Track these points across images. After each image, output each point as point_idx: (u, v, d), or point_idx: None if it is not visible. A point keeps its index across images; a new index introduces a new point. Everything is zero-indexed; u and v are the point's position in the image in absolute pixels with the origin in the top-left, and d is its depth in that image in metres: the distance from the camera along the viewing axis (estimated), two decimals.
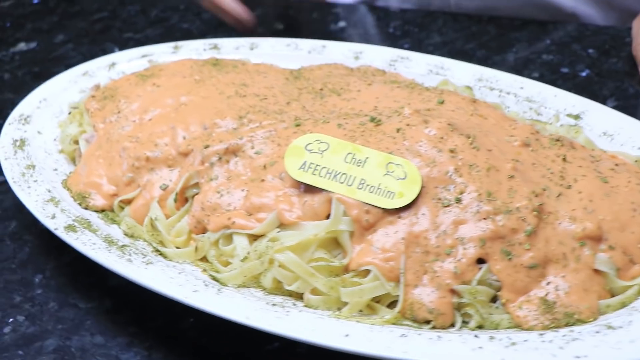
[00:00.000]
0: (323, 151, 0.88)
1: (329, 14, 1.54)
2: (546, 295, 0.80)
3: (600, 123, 1.01)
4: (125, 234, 0.93)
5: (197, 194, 0.94)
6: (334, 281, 0.82)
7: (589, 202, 0.85)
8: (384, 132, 0.90)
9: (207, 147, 0.94)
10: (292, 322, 0.78)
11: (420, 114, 0.93)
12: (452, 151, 0.87)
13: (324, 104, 1.01)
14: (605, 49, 1.36)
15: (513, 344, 0.75)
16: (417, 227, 0.83)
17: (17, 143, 1.06)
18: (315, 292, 0.83)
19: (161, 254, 0.90)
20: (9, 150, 1.04)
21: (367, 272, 0.82)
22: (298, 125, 0.95)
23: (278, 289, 0.85)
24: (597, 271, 0.81)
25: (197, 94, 1.03)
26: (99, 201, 0.98)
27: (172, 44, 1.26)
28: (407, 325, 0.80)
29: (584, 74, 1.30)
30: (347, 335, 0.76)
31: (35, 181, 0.99)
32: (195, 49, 1.25)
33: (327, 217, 0.86)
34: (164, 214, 0.93)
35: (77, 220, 0.93)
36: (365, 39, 1.45)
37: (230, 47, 1.24)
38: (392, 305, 0.82)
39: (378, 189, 0.84)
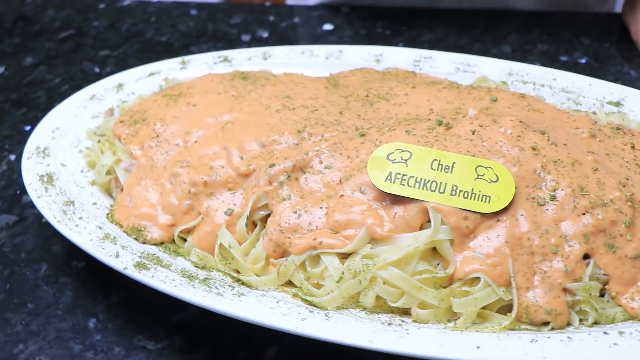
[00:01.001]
0: (407, 160, 0.85)
1: (312, 18, 1.51)
2: None
3: None
4: (196, 266, 0.88)
5: (266, 216, 0.90)
6: (443, 292, 0.80)
7: None
8: (458, 135, 0.89)
9: (272, 165, 0.89)
10: (418, 340, 0.75)
11: (486, 114, 0.92)
12: (534, 149, 0.86)
13: (377, 110, 0.98)
14: (596, 35, 1.39)
15: None
16: (518, 229, 0.81)
17: (45, 178, 0.98)
18: (423, 305, 0.81)
19: (243, 283, 0.85)
20: (39, 187, 0.96)
21: (475, 280, 0.80)
22: (363, 135, 0.91)
23: (380, 307, 0.82)
24: None
25: (241, 111, 0.98)
26: (156, 233, 0.91)
27: (178, 60, 1.19)
28: (525, 329, 0.78)
29: (583, 60, 1.33)
30: (478, 347, 0.74)
31: (80, 218, 0.92)
32: (204, 62, 1.19)
33: (421, 227, 0.83)
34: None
35: (143, 256, 0.87)
36: (356, 40, 1.42)
37: (242, 59, 1.19)
38: (500, 311, 0.81)
39: (472, 193, 0.82)
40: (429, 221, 0.83)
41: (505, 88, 1.07)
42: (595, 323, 0.79)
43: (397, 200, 0.84)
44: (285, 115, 0.96)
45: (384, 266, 0.81)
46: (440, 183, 0.83)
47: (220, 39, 1.44)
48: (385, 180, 0.84)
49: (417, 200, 0.83)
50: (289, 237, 0.86)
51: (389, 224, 0.84)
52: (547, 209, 0.82)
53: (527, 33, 1.41)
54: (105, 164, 0.98)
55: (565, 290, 0.79)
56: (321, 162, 0.90)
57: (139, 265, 0.85)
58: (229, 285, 0.83)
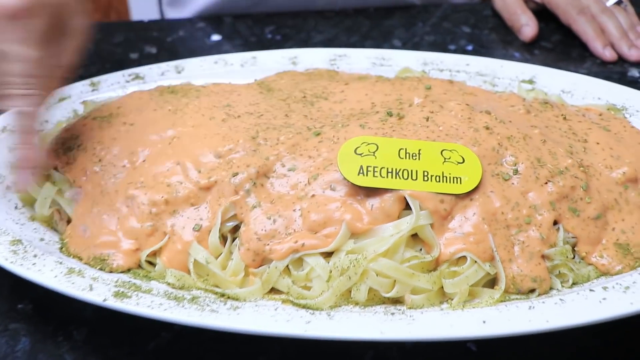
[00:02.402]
0: (374, 152, 0.86)
1: (196, 30, 1.48)
2: (617, 240, 0.86)
3: (554, 83, 1.10)
4: (174, 287, 0.84)
5: (234, 227, 0.87)
6: (434, 275, 0.82)
7: (611, 150, 0.93)
8: (413, 124, 0.91)
9: (235, 174, 0.87)
10: (427, 324, 0.76)
11: (430, 101, 0.95)
12: (487, 128, 0.90)
13: (320, 110, 0.99)
14: (472, 24, 1.47)
15: (627, 288, 0.80)
16: (491, 205, 0.85)
17: None
18: (415, 291, 0.82)
19: (229, 297, 0.83)
20: None
21: (460, 259, 0.83)
22: (318, 134, 0.92)
23: (372, 300, 0.83)
24: None
25: (185, 124, 0.95)
26: (121, 260, 0.86)
27: (86, 82, 1.13)
28: (515, 299, 0.82)
29: (470, 47, 1.40)
30: (484, 322, 0.77)
31: (35, 256, 0.85)
32: (116, 82, 1.14)
33: (398, 216, 0.85)
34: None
35: (120, 284, 0.82)
36: (249, 48, 1.42)
37: (154, 74, 1.15)
38: (485, 286, 0.84)
39: (444, 177, 0.85)
40: (406, 209, 0.85)
41: (425, 76, 1.11)
42: (574, 284, 0.84)
43: (371, 192, 0.85)
44: (232, 123, 0.94)
45: (375, 258, 0.81)
46: (411, 171, 0.85)
47: (108, 60, 1.38)
48: (359, 175, 0.85)
49: (391, 190, 0.84)
50: (268, 244, 0.84)
51: (367, 216, 0.85)
52: (512, 183, 0.86)
53: (411, 27, 1.47)
54: (48, 196, 0.91)
55: (543, 256, 0.84)
56: (284, 166, 0.89)
57: (118, 295, 0.80)
58: (220, 301, 0.80)
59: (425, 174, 0.85)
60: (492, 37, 1.43)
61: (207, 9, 1.52)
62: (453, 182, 0.85)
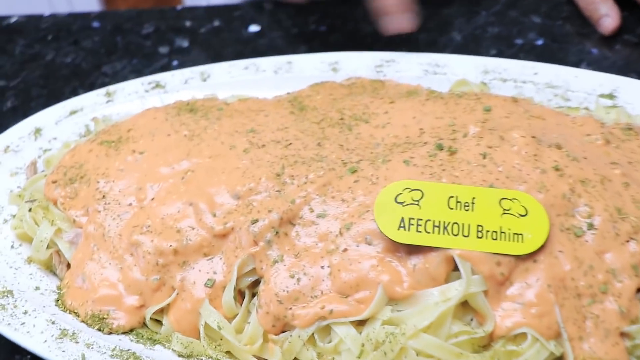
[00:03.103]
0: (418, 200, 0.72)
1: (233, 19, 1.35)
2: None
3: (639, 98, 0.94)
4: (181, 355, 0.72)
5: (253, 282, 0.75)
6: (486, 356, 0.68)
7: None
8: (467, 162, 0.76)
9: (255, 221, 0.75)
10: None
11: (489, 130, 0.80)
12: (557, 169, 0.75)
13: (359, 136, 0.85)
14: (544, 12, 1.30)
15: None
16: (559, 268, 0.70)
17: None
18: None
19: None
20: None
21: (519, 336, 0.69)
22: (354, 171, 0.78)
23: None
24: None
25: (201, 154, 0.82)
26: (123, 319, 0.75)
27: (102, 92, 1.01)
28: None
29: (540, 42, 1.23)
30: None
31: (25, 313, 0.74)
32: (134, 91, 1.01)
33: (445, 280, 0.71)
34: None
35: (116, 354, 0.70)
36: (289, 41, 1.27)
37: (177, 82, 1.02)
38: None
39: (501, 233, 0.70)
40: (454, 270, 0.71)
41: (486, 90, 0.96)
42: None
43: (414, 249, 0.71)
44: (255, 155, 0.81)
45: (415, 334, 0.68)
46: (463, 224, 0.71)
47: (135, 54, 1.26)
48: (399, 229, 0.71)
49: (438, 248, 0.70)
50: (290, 309, 0.71)
51: (408, 278, 0.71)
52: (586, 240, 0.71)
53: (472, 17, 1.30)
54: (45, 238, 0.80)
55: (622, 334, 0.69)
56: (312, 211, 0.76)
57: None
58: None
59: (480, 229, 0.71)
60: (566, 29, 1.25)
61: None
62: (513, 240, 0.70)
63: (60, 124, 0.96)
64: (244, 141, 0.83)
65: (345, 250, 0.73)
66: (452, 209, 0.72)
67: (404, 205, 0.72)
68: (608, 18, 1.21)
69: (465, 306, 0.71)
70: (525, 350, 0.68)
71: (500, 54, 1.20)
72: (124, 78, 1.19)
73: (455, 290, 0.69)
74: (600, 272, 0.70)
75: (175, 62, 1.23)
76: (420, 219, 0.71)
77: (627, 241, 0.71)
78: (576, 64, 1.15)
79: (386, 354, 0.68)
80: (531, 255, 0.70)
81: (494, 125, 0.82)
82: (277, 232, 0.74)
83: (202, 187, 0.79)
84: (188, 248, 0.75)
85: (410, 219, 0.71)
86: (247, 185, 0.77)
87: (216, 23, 1.33)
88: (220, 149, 0.82)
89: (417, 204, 0.72)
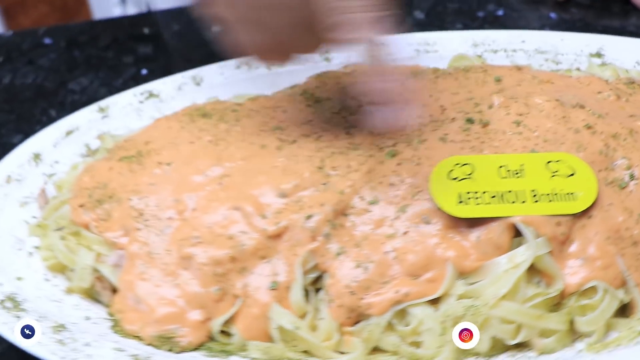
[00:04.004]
0: (470, 174, 0.74)
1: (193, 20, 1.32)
2: None
3: (625, 54, 0.98)
4: None
5: (316, 279, 0.74)
6: (564, 314, 0.70)
7: None
8: (503, 132, 0.78)
9: (309, 217, 0.74)
10: None
11: (512, 100, 0.83)
12: (588, 127, 0.78)
13: None
14: None
15: None
16: (612, 220, 0.73)
17: (7, 304, 0.75)
18: (543, 334, 0.70)
19: None
20: (7, 319, 0.73)
21: (588, 290, 0.71)
22: (394, 155, 0.78)
23: (493, 349, 0.71)
24: None
25: (233, 158, 0.81)
26: (191, 336, 0.73)
27: (93, 108, 0.97)
28: None
29: (500, 12, 1.27)
30: None
31: (87, 345, 0.71)
32: (128, 104, 0.98)
33: (509, 248, 0.72)
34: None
35: None
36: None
37: (171, 89, 1.00)
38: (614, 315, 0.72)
39: (555, 195, 0.73)
40: (516, 236, 0.73)
41: (481, 62, 0.98)
42: None
43: (474, 221, 0.73)
44: (290, 151, 0.80)
45: (497, 303, 0.69)
46: (518, 192, 0.73)
47: (99, 67, 1.21)
48: (458, 204, 0.72)
49: (499, 217, 0.72)
50: (363, 298, 0.72)
51: (474, 251, 0.72)
52: (631, 191, 0.75)
53: None
54: (88, 265, 0.77)
55: None
56: (363, 199, 0.76)
57: None
58: None
59: (534, 193, 0.73)
60: None
61: None
62: (567, 200, 0.73)
63: (59, 146, 0.92)
64: (273, 139, 0.82)
65: (405, 232, 0.73)
66: (504, 178, 0.73)
67: (458, 181, 0.73)
68: None
69: (530, 270, 0.72)
70: (599, 303, 0.70)
71: (467, 27, 1.22)
72: (95, 92, 1.16)
73: (522, 256, 0.71)
74: None
75: (144, 71, 1.20)
76: (477, 192, 0.73)
77: None
78: (541, 29, 1.20)
79: None
80: (585, 212, 0.73)
81: (512, 94, 0.85)
82: (333, 225, 0.74)
83: (244, 190, 0.77)
84: (245, 253, 0.74)
85: (467, 193, 0.72)
86: (292, 183, 0.77)
87: (176, 27, 1.30)
88: (251, 150, 0.81)
89: (470, 178, 0.73)
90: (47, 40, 1.29)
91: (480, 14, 1.26)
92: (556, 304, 0.71)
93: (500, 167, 0.74)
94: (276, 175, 0.78)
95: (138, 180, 0.81)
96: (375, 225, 0.75)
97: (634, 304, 0.71)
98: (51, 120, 1.09)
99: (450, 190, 0.72)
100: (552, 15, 1.24)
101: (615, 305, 0.70)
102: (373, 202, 0.75)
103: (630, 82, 0.89)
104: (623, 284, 0.71)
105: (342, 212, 0.75)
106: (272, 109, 0.88)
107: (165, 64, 1.21)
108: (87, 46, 1.27)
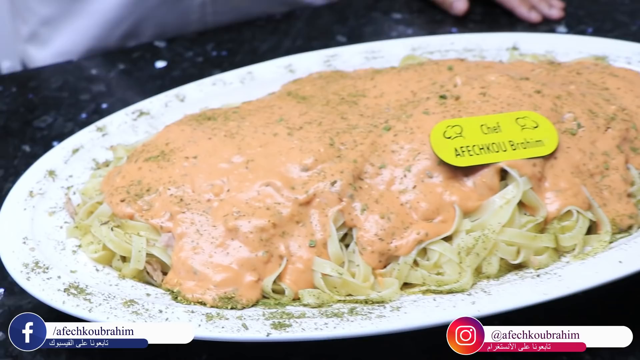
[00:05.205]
0: (460, 133, 0.90)
1: (137, 60, 1.42)
2: None
3: (536, 45, 1.19)
4: (311, 307, 0.82)
5: (343, 236, 0.87)
6: (552, 234, 0.87)
7: (632, 91, 1.02)
8: (473, 101, 0.95)
9: (334, 182, 0.87)
10: (580, 276, 0.81)
11: (471, 79, 1.00)
12: (538, 92, 0.97)
13: (368, 107, 1.00)
14: (398, 9, 1.53)
15: None
16: (572, 159, 0.91)
17: (72, 291, 0.82)
18: (536, 252, 0.87)
19: (373, 302, 0.82)
20: (75, 301, 0.80)
21: (564, 214, 0.88)
22: (389, 129, 0.93)
23: (500, 271, 0.86)
24: None
25: (251, 146, 0.92)
26: (248, 294, 0.83)
27: (91, 128, 1.06)
28: (620, 237, 0.89)
29: (410, 31, 1.46)
30: (620, 261, 0.83)
31: (160, 311, 0.80)
32: (123, 122, 1.07)
33: (499, 188, 0.89)
34: None
35: (269, 316, 0.79)
36: (201, 69, 1.38)
37: (159, 106, 1.10)
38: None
39: (527, 142, 0.90)
40: (502, 179, 0.89)
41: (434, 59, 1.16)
42: None
43: (469, 170, 0.89)
44: (300, 135, 0.93)
45: (502, 230, 0.85)
46: (499, 142, 0.89)
47: (58, 106, 1.29)
48: (456, 157, 0.88)
49: (487, 164, 0.88)
50: (391, 242, 0.85)
51: (473, 194, 0.88)
52: (580, 136, 0.93)
53: (346, 21, 1.50)
54: (142, 248, 0.85)
55: (628, 195, 0.91)
56: (373, 165, 0.90)
57: (277, 326, 0.77)
58: (375, 307, 0.80)
59: (512, 143, 0.90)
60: (423, 19, 1.50)
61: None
62: (537, 146, 0.90)
63: (70, 163, 1.00)
64: (282, 128, 0.95)
65: (414, 187, 0.88)
66: (486, 133, 0.90)
67: (452, 139, 0.89)
68: (459, 1, 1.47)
69: (518, 205, 0.89)
70: (575, 223, 0.88)
71: None
72: (62, 127, 1.23)
73: (512, 192, 0.87)
74: (598, 155, 0.92)
75: (104, 105, 1.29)
76: (469, 146, 0.89)
77: (606, 130, 0.94)
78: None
79: (479, 254, 0.84)
80: (552, 155, 0.90)
81: (468, 75, 1.02)
82: (354, 187, 0.87)
83: (270, 169, 0.89)
84: (283, 219, 0.86)
85: (461, 147, 0.88)
86: (311, 158, 0.90)
87: (121, 66, 1.40)
88: (265, 139, 0.93)
89: (461, 136, 0.89)
90: None
91: (394, 33, 1.45)
92: (542, 229, 0.88)
93: (482, 125, 0.90)
94: (295, 155, 0.90)
95: (170, 173, 0.91)
96: (388, 184, 0.89)
97: (600, 222, 0.89)
98: (27, 155, 1.16)
99: (448, 147, 0.88)
100: (454, 30, 1.45)
101: (587, 223, 0.88)
102: (382, 166, 0.89)
103: (551, 62, 1.09)
104: (589, 207, 0.89)
105: (358, 177, 0.89)
106: (268, 107, 1.01)
107: (124, 96, 1.30)
108: (39, 89, 1.33)
